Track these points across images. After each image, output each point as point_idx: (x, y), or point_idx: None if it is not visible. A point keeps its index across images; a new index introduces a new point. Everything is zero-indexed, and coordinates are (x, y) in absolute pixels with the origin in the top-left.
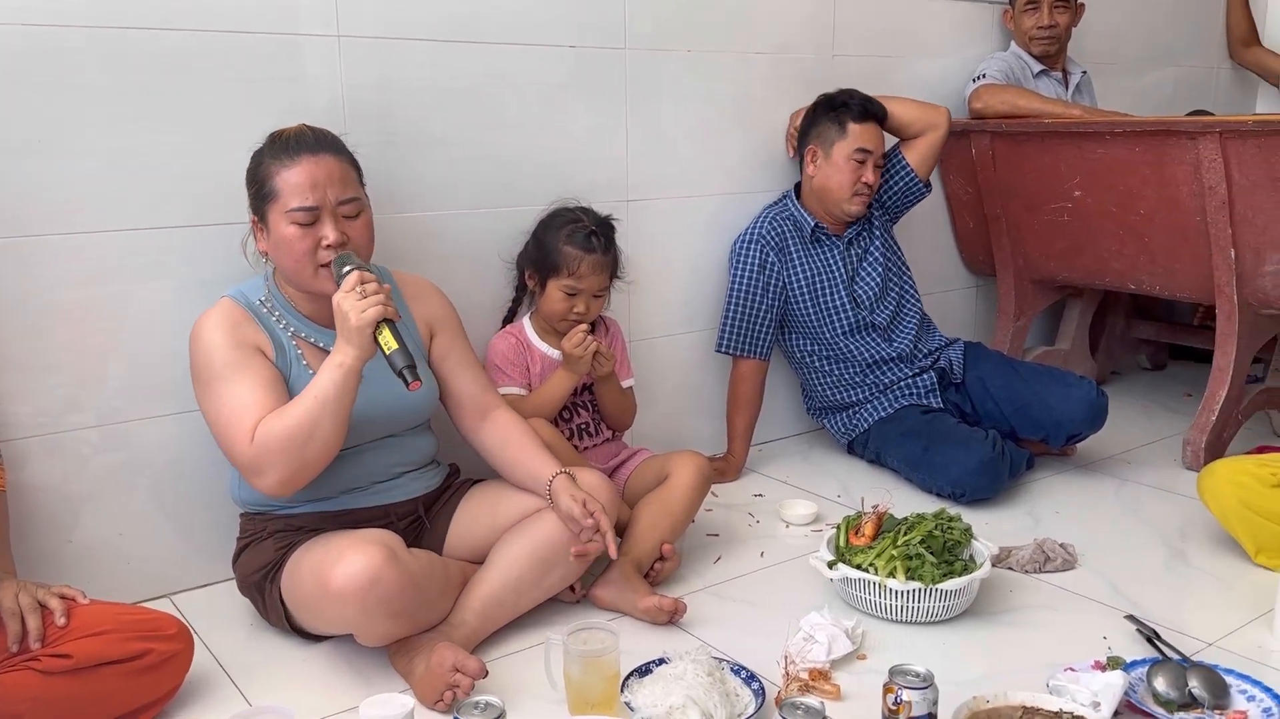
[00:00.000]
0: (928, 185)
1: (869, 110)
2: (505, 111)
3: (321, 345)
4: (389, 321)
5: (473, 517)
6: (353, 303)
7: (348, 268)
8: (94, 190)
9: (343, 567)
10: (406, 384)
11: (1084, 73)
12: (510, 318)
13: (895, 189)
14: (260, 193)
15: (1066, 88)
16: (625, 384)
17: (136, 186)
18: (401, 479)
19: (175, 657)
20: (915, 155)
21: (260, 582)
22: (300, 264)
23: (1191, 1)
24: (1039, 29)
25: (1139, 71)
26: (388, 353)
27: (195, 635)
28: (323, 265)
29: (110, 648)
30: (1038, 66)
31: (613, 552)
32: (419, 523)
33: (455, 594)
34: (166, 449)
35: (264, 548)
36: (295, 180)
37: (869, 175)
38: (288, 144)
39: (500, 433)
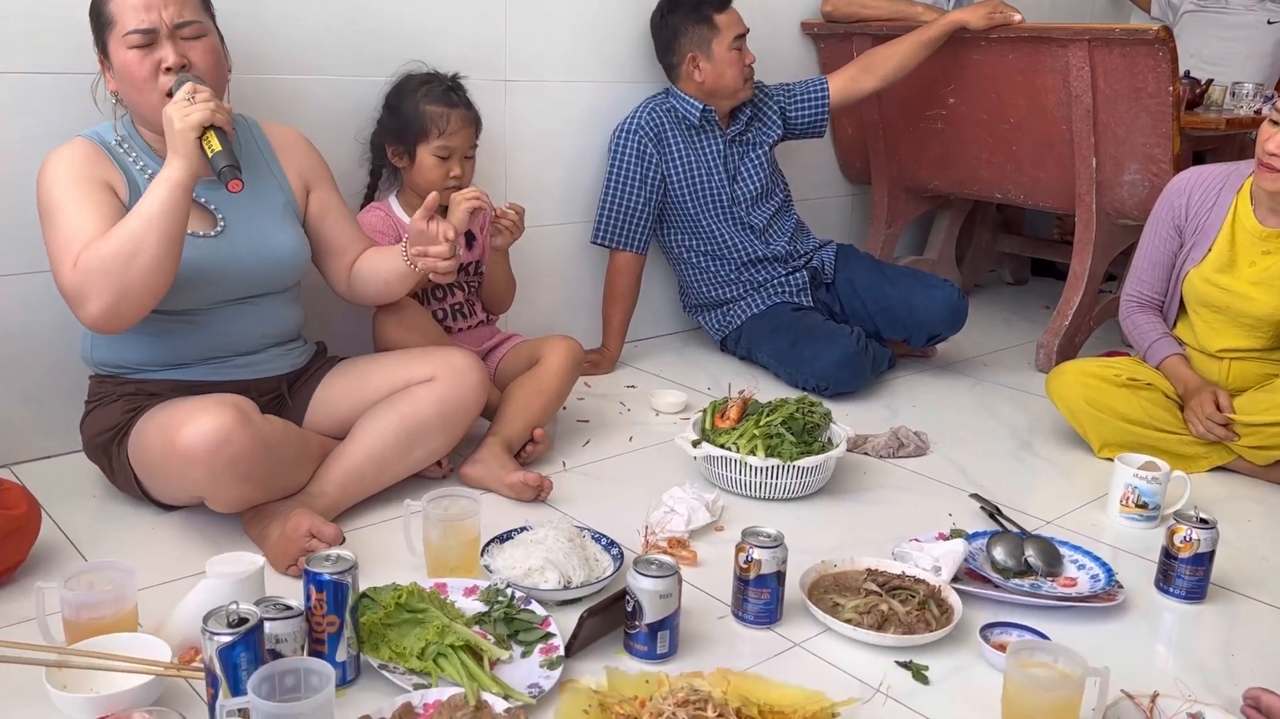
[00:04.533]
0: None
1: None
2: None
3: None
4: (219, 131)
5: (337, 391)
6: (179, 109)
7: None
8: None
9: (191, 427)
10: (225, 184)
11: None
12: (370, 199)
13: (804, 118)
14: (99, 23)
15: None
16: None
17: None
18: (267, 353)
19: (20, 529)
20: (841, 95)
21: (107, 444)
22: (143, 92)
23: None
24: None
25: None
26: (210, 155)
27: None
28: (167, 94)
29: None
30: None
31: (450, 234)
32: (280, 399)
33: (314, 465)
34: (9, 310)
35: (112, 410)
36: (131, 2)
37: (749, 56)
38: None
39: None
